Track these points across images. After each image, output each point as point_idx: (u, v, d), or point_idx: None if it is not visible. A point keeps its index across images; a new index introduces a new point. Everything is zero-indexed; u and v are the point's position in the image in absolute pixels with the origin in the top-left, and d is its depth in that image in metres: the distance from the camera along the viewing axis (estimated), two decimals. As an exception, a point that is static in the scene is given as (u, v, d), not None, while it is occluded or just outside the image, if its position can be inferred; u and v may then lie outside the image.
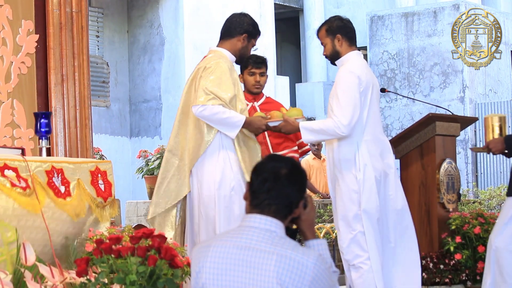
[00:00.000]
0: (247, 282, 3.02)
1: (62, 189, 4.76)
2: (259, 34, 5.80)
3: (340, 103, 5.45)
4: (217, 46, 5.74)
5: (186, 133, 5.59)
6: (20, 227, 4.39)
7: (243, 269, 3.03)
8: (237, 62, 5.76)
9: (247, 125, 5.48)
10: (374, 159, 5.57)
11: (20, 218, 4.41)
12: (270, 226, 3.09)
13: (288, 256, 3.02)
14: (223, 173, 5.48)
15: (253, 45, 5.76)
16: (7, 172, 4.43)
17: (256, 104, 6.54)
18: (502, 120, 5.46)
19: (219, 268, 3.07)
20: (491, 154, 5.47)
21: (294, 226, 3.26)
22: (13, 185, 4.40)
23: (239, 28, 5.68)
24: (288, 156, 3.36)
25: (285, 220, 3.15)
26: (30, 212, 4.44)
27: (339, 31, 5.64)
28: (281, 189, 3.11)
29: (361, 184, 5.50)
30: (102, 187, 5.08)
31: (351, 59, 5.62)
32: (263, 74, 6.54)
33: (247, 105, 6.30)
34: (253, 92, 6.56)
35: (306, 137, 5.60)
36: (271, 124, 5.68)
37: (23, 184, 4.47)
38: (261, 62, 6.52)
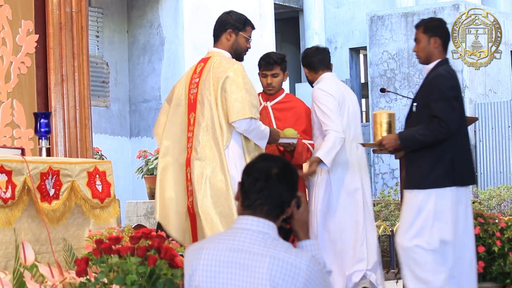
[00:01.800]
0: (240, 284, 3.00)
1: (51, 192, 4.76)
2: (248, 25, 5.79)
3: (328, 116, 6.16)
4: (213, 47, 5.79)
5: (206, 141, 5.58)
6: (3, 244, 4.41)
7: (236, 271, 3.02)
8: (237, 59, 5.75)
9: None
10: (335, 167, 6.20)
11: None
12: (262, 228, 3.07)
13: (281, 258, 3.00)
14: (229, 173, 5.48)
15: (245, 37, 5.75)
16: (-1, 177, 4.44)
17: (269, 104, 6.45)
18: (391, 117, 5.57)
19: (212, 271, 3.05)
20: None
21: (288, 226, 3.25)
22: None
23: (222, 26, 5.77)
24: (279, 155, 3.34)
25: (277, 220, 3.12)
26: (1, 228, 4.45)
27: (304, 65, 6.50)
28: (272, 188, 3.09)
29: (319, 186, 6.23)
30: (99, 188, 5.08)
31: (320, 81, 6.38)
32: (276, 75, 6.38)
33: (260, 104, 6.30)
34: (268, 93, 6.50)
35: (327, 159, 6.12)
36: (281, 141, 5.90)
37: (8, 195, 4.46)
38: (273, 63, 6.38)
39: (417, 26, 5.58)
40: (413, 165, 5.37)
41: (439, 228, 5.26)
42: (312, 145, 6.36)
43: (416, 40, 5.57)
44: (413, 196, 5.33)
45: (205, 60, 5.76)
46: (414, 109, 5.45)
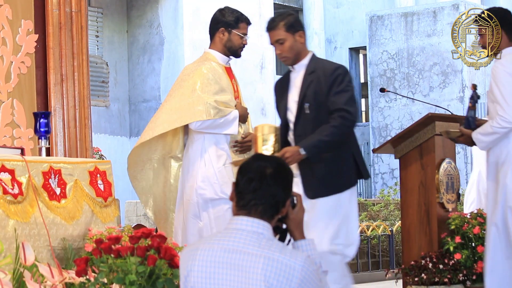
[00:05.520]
0: (235, 285, 3.01)
1: (58, 191, 4.77)
2: (242, 22, 5.62)
3: (505, 99, 5.39)
4: (208, 47, 5.75)
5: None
6: (6, 240, 4.40)
7: (231, 272, 3.03)
8: (234, 56, 5.70)
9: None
10: None
11: (7, 228, 4.42)
12: (257, 228, 3.08)
13: (275, 259, 3.00)
14: (205, 175, 5.45)
15: (239, 35, 5.60)
16: (3, 175, 4.44)
17: None
18: (275, 130, 5.16)
19: (207, 272, 3.06)
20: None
21: (284, 226, 3.26)
22: (5, 191, 4.41)
23: (215, 25, 5.65)
24: (274, 156, 3.35)
25: (272, 220, 3.13)
26: (19, 221, 4.45)
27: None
28: (267, 188, 3.09)
29: None
30: (101, 187, 5.08)
31: (505, 56, 5.84)
32: None
33: None
34: None
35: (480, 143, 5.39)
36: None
37: (16, 191, 4.47)
38: None
39: (274, 27, 5.15)
40: (322, 172, 5.16)
41: (354, 226, 5.29)
42: None
43: (278, 41, 5.13)
44: (332, 201, 5.18)
45: None
46: (307, 110, 5.13)
